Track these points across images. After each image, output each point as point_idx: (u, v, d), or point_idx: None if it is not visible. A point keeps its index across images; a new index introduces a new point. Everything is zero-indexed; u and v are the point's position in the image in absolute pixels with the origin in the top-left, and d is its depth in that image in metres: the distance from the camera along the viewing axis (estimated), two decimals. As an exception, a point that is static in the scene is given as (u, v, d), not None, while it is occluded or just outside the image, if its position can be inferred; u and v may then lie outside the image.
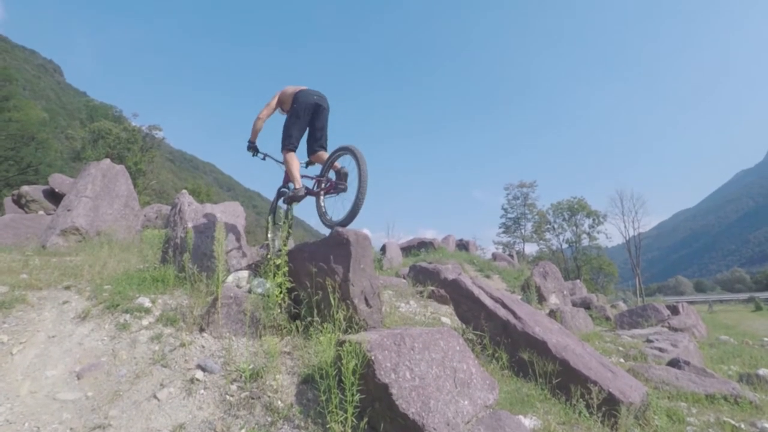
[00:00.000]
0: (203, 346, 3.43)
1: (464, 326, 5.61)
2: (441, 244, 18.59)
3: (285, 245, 3.86)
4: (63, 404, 2.89)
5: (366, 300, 3.56)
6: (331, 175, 4.31)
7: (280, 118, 4.68)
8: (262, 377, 3.03)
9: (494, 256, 21.63)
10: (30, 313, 3.86)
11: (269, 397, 2.88)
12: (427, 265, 10.93)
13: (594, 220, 41.18)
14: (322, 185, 4.30)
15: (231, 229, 5.05)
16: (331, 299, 3.36)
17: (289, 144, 4.33)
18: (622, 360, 6.57)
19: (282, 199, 4.55)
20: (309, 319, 3.50)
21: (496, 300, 5.86)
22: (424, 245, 17.88)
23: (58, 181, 12.38)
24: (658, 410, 4.02)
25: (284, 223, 4.47)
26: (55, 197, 11.82)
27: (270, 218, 4.76)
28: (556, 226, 43.23)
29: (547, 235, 43.48)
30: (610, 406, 3.66)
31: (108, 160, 9.83)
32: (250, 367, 3.07)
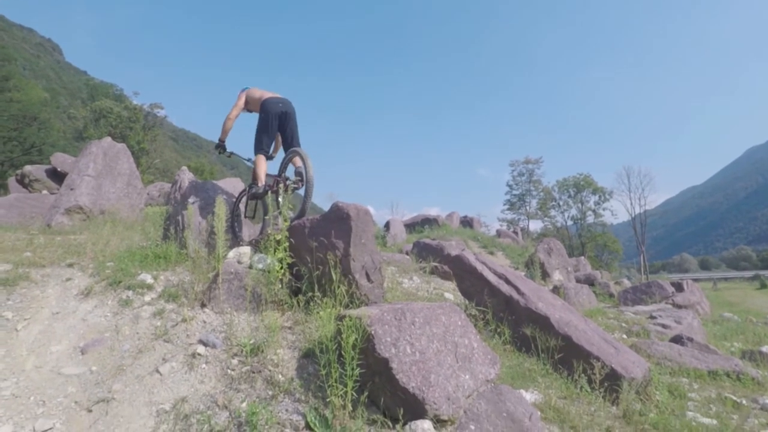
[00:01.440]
0: (205, 322, 3.43)
1: (467, 302, 5.61)
2: (445, 221, 18.56)
3: (286, 221, 3.83)
4: (67, 378, 2.92)
5: (367, 275, 3.53)
6: (289, 173, 4.74)
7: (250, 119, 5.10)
8: (263, 352, 3.03)
9: (498, 233, 21.60)
10: (34, 290, 3.88)
11: (270, 371, 2.89)
12: (430, 241, 10.93)
13: (600, 196, 40.75)
14: (280, 184, 4.66)
15: (232, 204, 5.02)
16: (333, 274, 3.33)
17: (260, 150, 4.78)
18: (624, 336, 6.59)
19: (249, 195, 4.94)
20: (310, 294, 3.48)
21: (500, 276, 5.85)
22: (428, 222, 17.85)
23: (60, 160, 12.36)
24: (660, 386, 4.03)
25: (278, 205, 4.73)
26: (57, 176, 11.83)
27: (236, 208, 5.14)
28: (561, 202, 42.86)
29: (552, 212, 43.21)
30: (612, 381, 3.66)
31: (109, 139, 9.76)
32: (251, 341, 3.07)
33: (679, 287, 10.66)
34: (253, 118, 5.01)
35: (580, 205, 41.80)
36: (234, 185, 5.53)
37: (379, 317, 2.62)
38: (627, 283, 15.32)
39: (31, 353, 3.14)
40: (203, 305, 3.59)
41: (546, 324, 4.65)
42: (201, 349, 3.07)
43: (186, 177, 5.36)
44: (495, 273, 5.93)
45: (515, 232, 24.56)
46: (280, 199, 4.60)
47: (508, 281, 5.69)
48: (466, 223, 20.96)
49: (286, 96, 4.98)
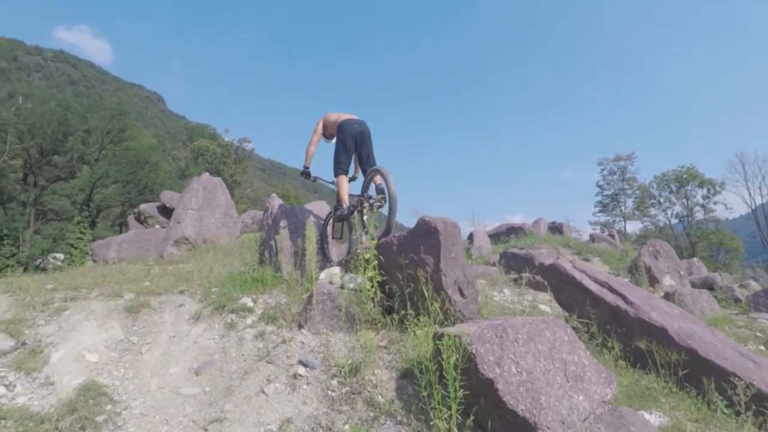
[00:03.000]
0: (303, 342, 3.53)
1: (566, 314, 5.21)
2: (531, 229, 17.63)
3: (373, 239, 3.85)
4: (185, 399, 3.14)
5: (460, 290, 3.40)
6: (371, 191, 4.77)
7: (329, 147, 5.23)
8: (361, 372, 3.02)
9: (593, 238, 20.04)
10: (153, 316, 4.28)
11: (369, 392, 2.86)
12: (518, 251, 10.43)
13: (709, 189, 36.17)
14: (364, 203, 4.71)
15: (320, 227, 5.18)
16: (424, 291, 3.24)
17: (339, 170, 4.87)
18: (762, 347, 5.68)
19: (335, 217, 5.02)
20: (403, 312, 3.41)
21: (602, 284, 5.40)
22: (513, 231, 17.09)
23: (168, 197, 13.80)
24: (822, 406, 3.36)
25: (361, 225, 4.78)
26: (166, 211, 13.20)
27: (324, 230, 5.21)
28: (662, 200, 38.72)
29: (652, 211, 39.18)
30: (757, 402, 3.13)
31: (207, 174, 10.70)
32: (349, 362, 3.08)
33: (826, 287, 9.01)
34: (332, 146, 5.15)
35: (684, 200, 37.44)
36: (320, 208, 5.72)
37: (479, 335, 2.47)
38: (755, 286, 13.31)
39: (154, 375, 3.43)
40: (300, 326, 3.69)
41: (663, 336, 4.16)
42: (301, 370, 3.14)
43: (276, 203, 5.65)
44: (596, 281, 5.48)
45: (611, 236, 22.64)
46: (365, 219, 4.65)
47: (612, 289, 5.23)
48: (555, 229, 19.75)
49: (364, 118, 5.07)
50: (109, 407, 2.99)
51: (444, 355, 2.29)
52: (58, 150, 30.68)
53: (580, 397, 2.59)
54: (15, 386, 3.12)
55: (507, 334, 2.54)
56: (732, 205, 36.71)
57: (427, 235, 3.47)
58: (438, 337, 2.59)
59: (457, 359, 2.29)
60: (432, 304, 3.20)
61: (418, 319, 3.19)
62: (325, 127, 5.15)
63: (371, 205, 4.45)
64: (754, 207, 33.32)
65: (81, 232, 24.47)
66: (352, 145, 4.88)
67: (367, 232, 3.98)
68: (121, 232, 22.83)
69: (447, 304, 3.27)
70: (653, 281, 10.07)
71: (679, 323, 4.40)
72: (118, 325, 4.06)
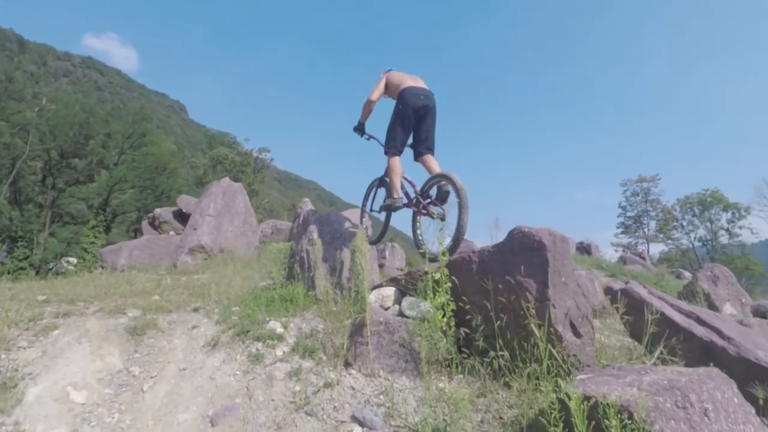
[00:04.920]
0: (353, 388, 2.68)
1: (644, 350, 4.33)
2: (560, 248, 16.60)
3: (444, 254, 2.98)
4: (197, 461, 2.32)
5: (573, 326, 2.52)
6: (433, 192, 3.86)
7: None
8: (443, 439, 2.16)
9: (624, 259, 18.94)
10: (161, 340, 3.49)
11: (462, 474, 2.01)
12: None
13: (734, 213, 34.79)
14: (422, 203, 3.86)
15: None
16: (533, 327, 2.35)
17: (392, 147, 4.01)
18: None
19: (380, 207, 4.24)
20: (492, 353, 2.55)
21: (688, 314, 4.50)
22: (541, 250, 16.08)
23: (185, 201, 13.13)
24: None
25: (416, 237, 3.93)
26: (183, 217, 12.52)
27: (364, 202, 4.55)
28: (684, 223, 37.35)
29: (675, 234, 37.77)
30: None
31: (227, 179, 10.04)
32: (422, 420, 2.21)
33: None
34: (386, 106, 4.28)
35: (708, 224, 36.04)
36: (358, 216, 4.92)
37: (656, 406, 1.62)
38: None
39: (158, 423, 2.62)
40: (347, 364, 2.85)
41: (780, 381, 3.27)
42: (357, 430, 2.29)
43: (308, 208, 4.88)
44: (680, 310, 4.58)
45: (643, 257, 21.45)
46: (418, 224, 3.81)
47: (701, 321, 4.33)
48: (583, 249, 18.72)
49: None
50: (93, 474, 2.19)
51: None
52: (79, 153, 30.54)
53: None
54: (-27, 436, 2.35)
55: (691, 403, 1.67)
56: (758, 230, 35.17)
57: (528, 251, 2.58)
58: (593, 405, 1.70)
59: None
60: (544, 344, 2.30)
61: (515, 365, 2.33)
62: (386, 87, 4.25)
63: (429, 212, 3.61)
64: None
65: (95, 237, 24.10)
66: (412, 117, 3.94)
67: (424, 244, 3.10)
68: (135, 237, 22.37)
69: (557, 346, 2.39)
70: (713, 309, 9.03)
71: (796, 366, 3.51)
72: (116, 351, 3.27)
